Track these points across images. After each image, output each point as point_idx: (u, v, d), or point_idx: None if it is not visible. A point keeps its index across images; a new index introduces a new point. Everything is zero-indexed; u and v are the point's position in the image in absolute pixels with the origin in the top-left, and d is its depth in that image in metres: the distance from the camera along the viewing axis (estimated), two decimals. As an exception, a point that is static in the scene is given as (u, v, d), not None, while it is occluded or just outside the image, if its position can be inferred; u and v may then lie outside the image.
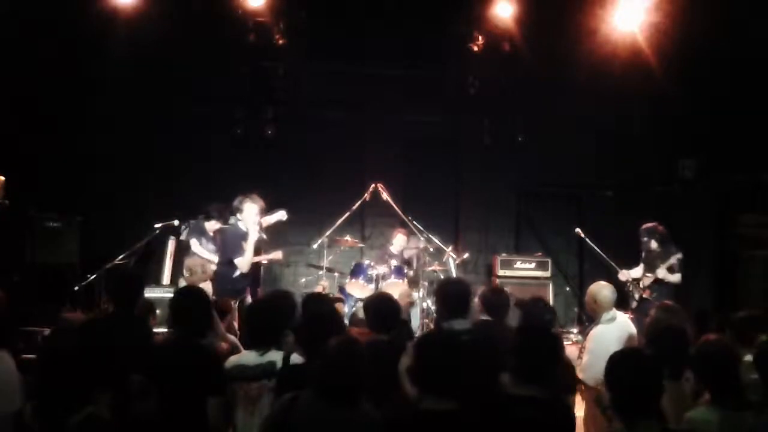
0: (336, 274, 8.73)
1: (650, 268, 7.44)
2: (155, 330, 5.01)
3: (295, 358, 3.77)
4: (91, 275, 7.18)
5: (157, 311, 5.52)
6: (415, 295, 8.12)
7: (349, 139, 9.49)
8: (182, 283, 6.60)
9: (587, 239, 8.08)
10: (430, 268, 8.43)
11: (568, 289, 9.45)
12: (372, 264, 8.25)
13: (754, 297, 8.28)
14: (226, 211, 7.42)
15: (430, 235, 8.50)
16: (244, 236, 6.48)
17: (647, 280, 7.36)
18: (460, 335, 3.86)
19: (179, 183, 8.67)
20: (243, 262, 6.44)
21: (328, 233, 8.26)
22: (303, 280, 8.84)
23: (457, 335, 3.57)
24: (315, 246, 8.38)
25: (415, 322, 7.85)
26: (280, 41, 8.67)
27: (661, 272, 7.31)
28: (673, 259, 7.31)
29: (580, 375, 4.84)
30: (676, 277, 7.34)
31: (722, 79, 8.61)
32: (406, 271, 8.27)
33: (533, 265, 8.98)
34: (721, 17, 7.88)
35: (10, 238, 7.68)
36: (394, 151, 9.45)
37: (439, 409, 2.84)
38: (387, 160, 9.26)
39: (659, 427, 2.98)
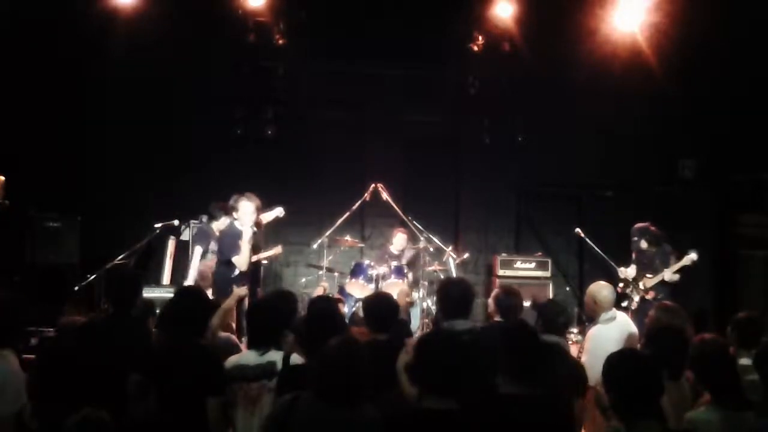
0: (336, 274, 8.73)
1: (646, 268, 7.44)
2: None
3: (295, 358, 3.78)
4: (91, 275, 7.17)
5: (157, 311, 5.50)
6: (415, 295, 8.13)
7: (349, 139, 9.49)
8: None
9: (587, 239, 8.08)
10: (430, 268, 8.43)
11: (568, 289, 9.44)
12: (372, 264, 8.25)
13: (754, 297, 8.29)
14: (227, 206, 7.41)
15: (430, 235, 8.50)
16: (240, 235, 6.48)
17: (649, 282, 7.35)
18: (461, 335, 3.87)
19: (179, 183, 8.67)
20: (240, 260, 6.42)
21: (328, 233, 8.26)
22: (303, 280, 8.84)
23: (458, 335, 3.58)
24: (315, 246, 8.38)
25: (415, 322, 7.85)
26: (280, 41, 8.67)
27: (668, 274, 7.31)
28: (687, 260, 7.27)
29: None
30: (676, 277, 7.35)
31: (722, 79, 8.62)
32: (406, 271, 8.28)
33: (533, 265, 8.97)
34: (721, 17, 7.88)
35: (10, 238, 7.69)
36: (394, 151, 9.44)
37: (439, 409, 2.84)
38: (387, 160, 9.26)
39: (659, 428, 2.98)
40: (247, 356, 3.86)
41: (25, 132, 8.15)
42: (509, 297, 4.75)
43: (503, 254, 9.15)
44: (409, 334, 4.90)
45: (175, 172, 8.73)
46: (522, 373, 3.21)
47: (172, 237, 8.39)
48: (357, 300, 8.04)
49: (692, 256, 7.26)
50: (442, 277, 8.17)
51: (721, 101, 8.77)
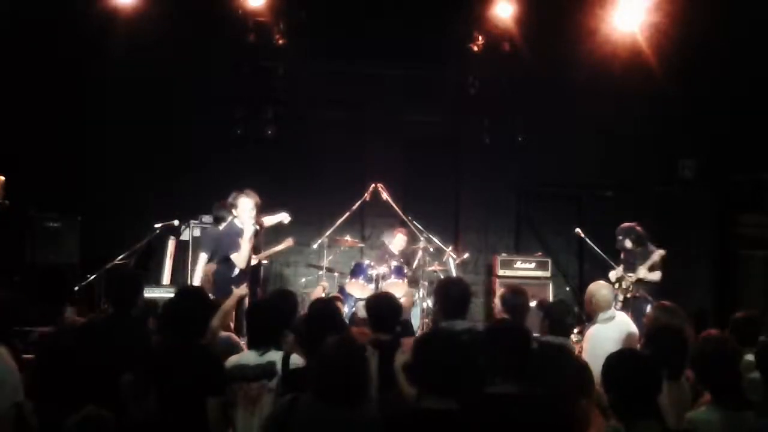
0: (336, 274, 8.72)
1: (630, 267, 7.49)
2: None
3: (295, 358, 3.78)
4: (91, 275, 7.17)
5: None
6: (415, 295, 8.14)
7: (349, 139, 9.49)
8: None
9: (587, 239, 8.08)
10: (430, 268, 8.43)
11: (568, 289, 9.44)
12: (372, 264, 8.25)
13: (754, 297, 8.29)
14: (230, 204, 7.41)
15: (430, 235, 8.50)
16: (239, 233, 6.44)
17: (628, 281, 7.39)
18: (460, 335, 3.87)
19: (179, 183, 8.66)
20: (239, 258, 6.34)
21: (328, 233, 8.25)
22: (303, 280, 8.84)
23: (457, 335, 3.57)
24: (315, 246, 8.38)
25: (415, 322, 7.86)
26: (280, 41, 8.67)
27: (642, 272, 7.37)
28: (656, 256, 7.36)
29: None
30: (655, 275, 7.38)
31: (722, 79, 8.62)
32: (405, 271, 8.28)
33: (533, 265, 8.97)
34: (721, 17, 7.88)
35: (10, 238, 7.69)
36: (394, 151, 9.44)
37: (438, 409, 2.84)
38: (387, 160, 9.26)
39: (659, 428, 2.98)
40: (247, 356, 3.86)
41: (25, 132, 8.16)
42: (516, 296, 4.75)
43: (503, 254, 9.15)
44: (413, 335, 4.91)
45: (175, 172, 8.73)
46: (517, 373, 3.21)
47: (172, 237, 8.38)
48: (357, 300, 8.05)
49: (660, 252, 7.38)
50: (442, 277, 8.17)
51: (721, 101, 8.77)
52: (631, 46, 8.38)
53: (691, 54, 8.45)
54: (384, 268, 8.16)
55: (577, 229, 8.22)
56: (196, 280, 7.12)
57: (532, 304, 8.45)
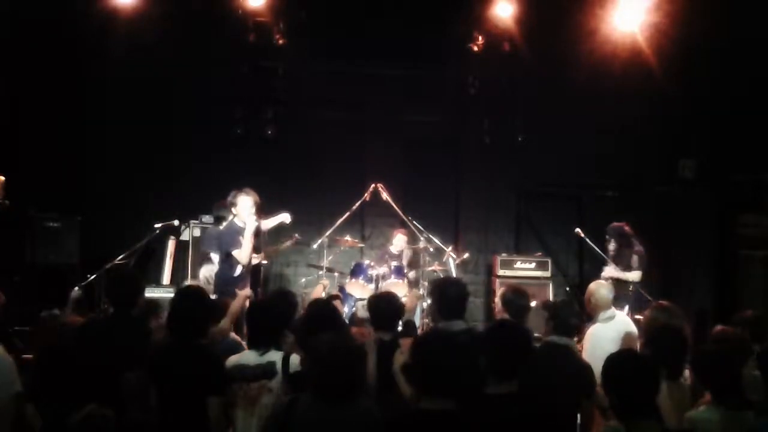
0: (336, 274, 8.72)
1: (618, 265, 7.55)
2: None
3: (295, 359, 3.78)
4: (91, 275, 7.17)
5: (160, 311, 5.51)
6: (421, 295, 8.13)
7: (349, 139, 9.48)
8: None
9: (587, 239, 8.08)
10: (430, 268, 8.43)
11: (568, 289, 9.44)
12: (372, 264, 8.26)
13: (754, 297, 8.29)
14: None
15: (430, 235, 8.50)
16: (240, 231, 6.45)
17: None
18: (458, 335, 3.87)
19: (179, 183, 8.67)
20: (242, 254, 6.34)
21: (328, 233, 8.25)
22: (303, 280, 8.84)
23: (454, 336, 3.57)
24: (315, 246, 8.38)
25: (416, 322, 7.85)
26: (280, 41, 8.67)
27: (614, 271, 7.44)
28: (635, 257, 7.41)
29: None
30: (634, 275, 7.40)
31: (722, 79, 8.62)
32: (405, 271, 8.28)
33: (533, 265, 8.97)
34: (721, 17, 7.88)
35: (10, 238, 7.69)
36: (394, 151, 9.44)
37: (437, 409, 2.84)
38: (387, 160, 9.26)
39: (659, 428, 2.98)
40: (247, 356, 3.87)
41: (25, 132, 8.16)
42: (517, 296, 4.75)
43: (503, 254, 9.15)
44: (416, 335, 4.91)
45: (175, 172, 8.73)
46: (517, 373, 3.22)
47: (172, 237, 8.39)
48: (357, 300, 8.05)
49: (639, 252, 7.45)
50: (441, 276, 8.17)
51: (721, 101, 8.77)
52: (631, 46, 8.37)
53: (691, 54, 8.45)
54: (384, 268, 8.17)
55: (577, 229, 8.21)
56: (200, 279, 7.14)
57: (533, 303, 8.54)
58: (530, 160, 9.43)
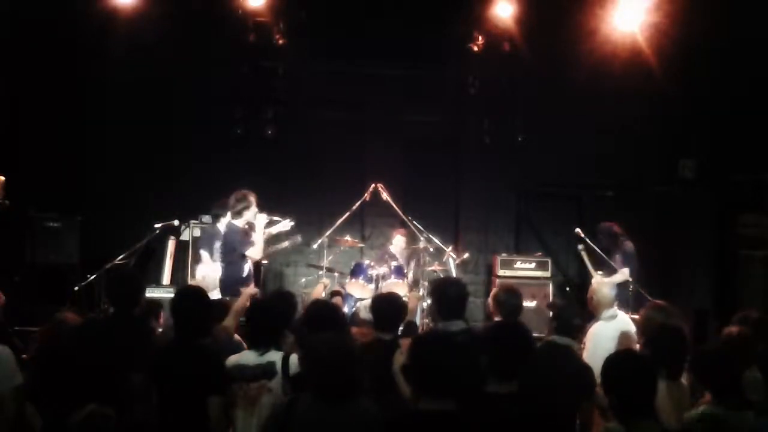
0: (336, 274, 8.72)
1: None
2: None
3: (295, 359, 3.78)
4: (91, 275, 7.17)
5: (162, 311, 5.50)
6: (422, 296, 8.13)
7: (349, 139, 9.48)
8: None
9: (587, 239, 8.08)
10: (430, 268, 8.43)
11: (567, 289, 9.44)
12: (372, 264, 8.26)
13: (754, 297, 8.28)
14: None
15: (430, 235, 8.49)
16: (246, 231, 6.50)
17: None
18: (457, 336, 3.87)
19: (179, 183, 8.67)
20: (255, 251, 6.45)
21: (328, 233, 8.25)
22: (303, 280, 8.83)
23: (453, 336, 3.58)
24: (315, 246, 8.37)
25: (416, 323, 7.85)
26: (280, 41, 8.67)
27: (601, 279, 7.52)
28: (617, 257, 7.58)
29: None
30: (619, 276, 7.49)
31: (722, 79, 8.61)
32: (405, 271, 8.28)
33: (533, 265, 8.97)
34: (721, 17, 7.88)
35: (10, 238, 7.70)
36: (394, 151, 9.44)
37: (437, 410, 2.84)
38: (387, 160, 9.26)
39: (659, 428, 2.98)
40: (246, 356, 3.87)
41: (25, 132, 8.16)
42: (510, 296, 4.76)
43: (503, 254, 9.15)
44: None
45: (175, 172, 8.73)
46: (517, 372, 3.22)
47: (172, 237, 8.39)
48: (357, 300, 8.05)
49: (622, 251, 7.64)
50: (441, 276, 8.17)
51: (721, 101, 8.77)
52: (631, 46, 8.37)
53: (691, 54, 8.45)
54: (384, 268, 8.17)
55: (577, 229, 8.21)
56: (200, 275, 7.20)
57: (533, 304, 8.57)
58: (530, 160, 9.43)
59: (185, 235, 8.41)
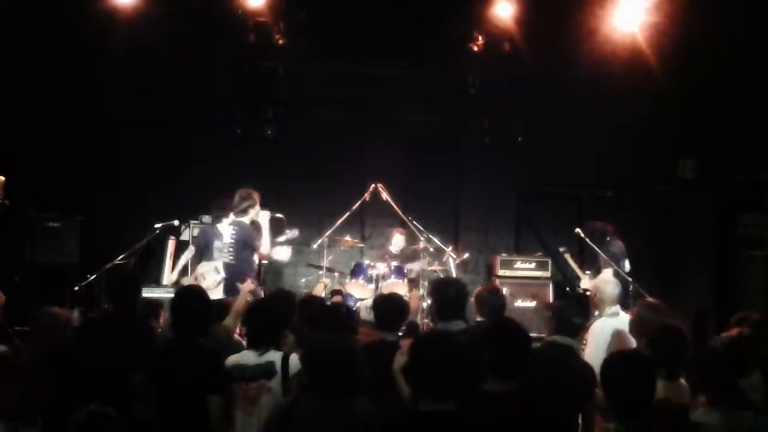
0: (336, 274, 8.72)
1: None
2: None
3: (295, 359, 3.78)
4: (91, 275, 7.17)
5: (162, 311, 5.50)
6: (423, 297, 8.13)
7: (349, 139, 9.49)
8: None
9: (587, 239, 8.09)
10: (430, 268, 8.43)
11: (568, 289, 9.44)
12: (372, 264, 8.26)
13: (754, 297, 8.28)
14: (229, 203, 7.45)
15: (430, 235, 8.49)
16: (258, 227, 6.65)
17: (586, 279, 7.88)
18: (457, 336, 3.87)
19: (179, 183, 8.67)
20: (265, 247, 6.70)
21: (328, 233, 8.25)
22: (303, 280, 8.84)
23: (453, 336, 3.58)
24: (315, 246, 8.38)
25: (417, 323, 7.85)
26: (280, 41, 8.67)
27: (589, 281, 7.72)
28: (600, 257, 7.63)
29: None
30: (603, 276, 7.50)
31: (722, 79, 8.61)
32: (405, 271, 8.28)
33: (533, 265, 8.97)
34: (721, 17, 7.88)
35: (10, 238, 7.70)
36: (394, 151, 9.44)
37: (437, 410, 2.84)
38: (387, 160, 9.26)
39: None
40: (246, 356, 3.87)
41: (25, 132, 8.15)
42: (492, 295, 4.78)
43: (503, 254, 9.15)
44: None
45: (175, 172, 8.73)
46: (516, 371, 3.22)
47: (172, 237, 8.38)
48: (357, 300, 8.05)
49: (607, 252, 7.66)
50: (441, 277, 8.17)
51: (721, 101, 8.76)
52: (631, 46, 8.37)
53: (691, 54, 8.44)
54: (384, 268, 8.17)
55: (577, 229, 8.22)
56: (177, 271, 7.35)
57: (533, 304, 8.58)
58: (530, 160, 9.43)
59: (185, 235, 8.40)
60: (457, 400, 2.87)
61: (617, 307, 5.21)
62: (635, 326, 4.56)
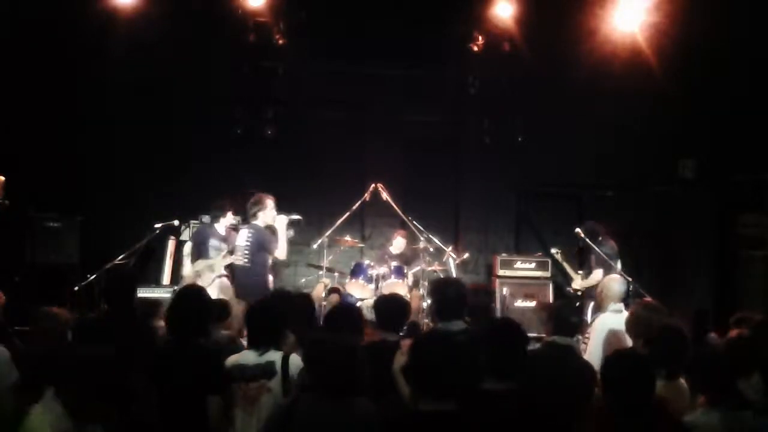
0: (336, 274, 8.72)
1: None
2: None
3: (295, 359, 3.78)
4: (91, 275, 7.17)
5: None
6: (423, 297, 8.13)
7: (349, 139, 9.49)
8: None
9: (587, 239, 8.08)
10: (430, 268, 8.43)
11: (568, 289, 9.44)
12: (372, 264, 8.26)
13: (754, 297, 8.29)
14: (228, 203, 7.51)
15: (430, 235, 8.49)
16: (274, 230, 6.74)
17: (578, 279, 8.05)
18: (457, 336, 3.87)
19: (179, 183, 8.67)
20: (281, 252, 6.79)
21: (328, 233, 8.25)
22: (303, 280, 8.84)
23: (453, 336, 3.58)
24: (315, 246, 8.37)
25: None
26: (280, 41, 8.67)
27: (580, 282, 7.95)
28: (592, 257, 7.77)
29: None
30: (594, 277, 7.70)
31: (722, 79, 8.61)
32: (405, 271, 8.28)
33: (533, 265, 8.97)
34: (721, 17, 7.88)
35: (10, 238, 7.70)
36: (394, 151, 9.45)
37: (437, 410, 2.84)
38: (387, 160, 9.26)
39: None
40: (246, 356, 3.87)
41: (25, 132, 8.15)
42: (478, 295, 4.78)
43: (503, 254, 9.15)
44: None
45: (175, 172, 8.73)
46: (514, 371, 3.23)
47: (172, 237, 8.39)
48: (357, 300, 8.05)
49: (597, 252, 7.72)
50: (441, 277, 8.17)
51: (721, 101, 8.77)
52: (631, 46, 8.37)
53: (691, 54, 8.44)
54: (384, 268, 8.17)
55: (577, 229, 8.22)
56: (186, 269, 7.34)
57: (533, 304, 8.58)
58: (530, 160, 9.43)
59: (185, 235, 8.41)
60: (457, 400, 2.87)
61: (621, 305, 5.25)
62: (632, 326, 4.57)
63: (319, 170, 9.19)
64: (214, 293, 6.24)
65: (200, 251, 7.29)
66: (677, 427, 3.16)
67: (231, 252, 7.46)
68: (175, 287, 7.31)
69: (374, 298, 7.41)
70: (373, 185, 8.31)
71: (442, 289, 4.57)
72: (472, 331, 4.24)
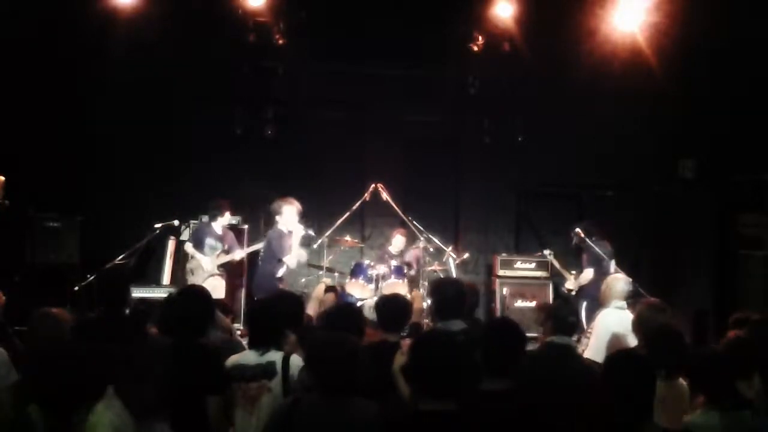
0: (336, 274, 8.73)
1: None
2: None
3: (295, 359, 3.78)
4: (91, 275, 7.17)
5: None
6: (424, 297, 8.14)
7: (349, 139, 9.49)
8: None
9: (587, 239, 8.09)
10: (430, 268, 8.43)
11: (562, 289, 9.44)
12: (372, 264, 8.26)
13: (754, 297, 8.29)
14: (227, 203, 7.55)
15: (430, 235, 8.50)
16: (286, 235, 6.96)
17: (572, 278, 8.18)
18: (457, 335, 3.88)
19: (179, 183, 8.68)
20: (291, 259, 7.04)
21: (328, 233, 8.26)
22: (303, 280, 8.84)
23: (453, 336, 3.58)
24: (315, 246, 8.38)
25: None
26: (280, 41, 8.66)
27: (573, 282, 8.08)
28: (584, 256, 7.94)
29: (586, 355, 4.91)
30: (585, 277, 7.88)
31: (722, 79, 8.61)
32: (405, 271, 8.28)
33: (533, 265, 8.98)
34: (721, 17, 7.87)
35: (10, 238, 7.69)
36: (394, 151, 9.45)
37: (437, 410, 2.85)
38: (387, 160, 9.27)
39: (659, 429, 2.99)
40: (246, 356, 3.87)
41: (25, 132, 8.15)
42: (469, 293, 4.79)
43: (503, 254, 9.16)
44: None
45: (175, 172, 8.74)
46: (513, 370, 3.23)
47: (172, 237, 8.40)
48: (357, 300, 8.06)
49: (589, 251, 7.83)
50: (441, 276, 8.18)
51: (721, 101, 8.76)
52: (631, 46, 8.37)
53: (691, 54, 8.44)
54: (384, 268, 8.17)
55: (577, 229, 8.23)
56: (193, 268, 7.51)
57: (533, 304, 8.58)
58: (530, 160, 9.44)
59: (185, 235, 8.41)
60: (456, 399, 2.87)
61: (624, 303, 5.28)
62: (637, 326, 4.58)
63: (319, 170, 9.20)
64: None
65: (197, 250, 7.37)
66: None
67: (227, 251, 7.54)
68: (173, 288, 7.33)
69: (374, 298, 7.42)
70: (373, 185, 8.32)
71: (442, 289, 4.58)
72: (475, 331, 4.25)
